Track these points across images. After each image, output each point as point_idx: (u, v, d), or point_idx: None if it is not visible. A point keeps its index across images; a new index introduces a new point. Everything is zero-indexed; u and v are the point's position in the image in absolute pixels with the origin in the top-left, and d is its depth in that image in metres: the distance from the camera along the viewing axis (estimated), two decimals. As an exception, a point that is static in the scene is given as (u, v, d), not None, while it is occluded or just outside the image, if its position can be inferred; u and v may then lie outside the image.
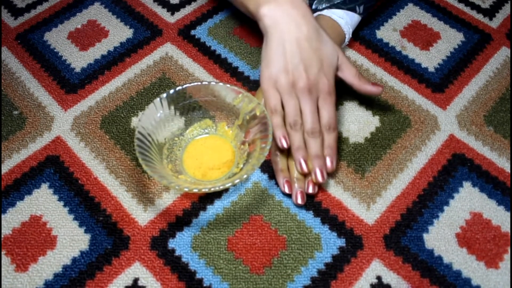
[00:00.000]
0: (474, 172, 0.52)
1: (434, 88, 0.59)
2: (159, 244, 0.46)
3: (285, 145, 0.47)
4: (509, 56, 0.63)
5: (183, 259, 0.46)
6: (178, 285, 0.44)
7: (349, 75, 0.51)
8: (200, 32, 0.65)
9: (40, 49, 0.64)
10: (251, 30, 0.65)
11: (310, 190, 0.48)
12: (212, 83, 0.50)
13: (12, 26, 0.67)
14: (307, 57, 0.47)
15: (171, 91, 0.49)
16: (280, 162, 0.49)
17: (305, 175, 0.49)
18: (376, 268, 0.45)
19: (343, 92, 0.58)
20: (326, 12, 0.58)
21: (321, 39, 0.48)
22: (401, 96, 0.58)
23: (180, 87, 0.50)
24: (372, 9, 0.66)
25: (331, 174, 0.51)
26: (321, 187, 0.50)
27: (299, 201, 0.48)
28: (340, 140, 0.54)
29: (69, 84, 0.60)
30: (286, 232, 0.47)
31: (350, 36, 0.59)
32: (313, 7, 0.59)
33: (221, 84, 0.50)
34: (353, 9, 0.58)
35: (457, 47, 0.63)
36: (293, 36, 0.47)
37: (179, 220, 0.48)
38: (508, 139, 0.54)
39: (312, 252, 0.46)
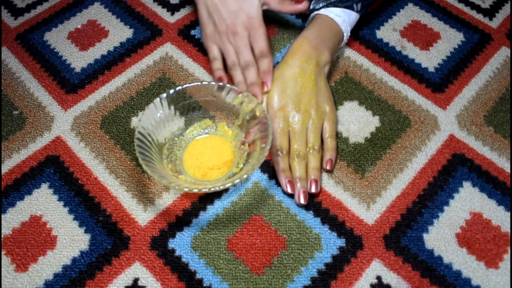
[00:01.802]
0: (474, 172, 0.52)
1: (434, 88, 0.59)
2: (159, 244, 0.46)
3: (221, 82, 0.53)
4: (509, 56, 0.63)
5: (183, 259, 0.46)
6: (178, 285, 0.44)
7: (273, 3, 0.56)
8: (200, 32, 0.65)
9: (40, 49, 0.64)
10: (251, 30, 0.65)
11: (313, 190, 0.48)
12: (212, 83, 0.50)
13: (12, 26, 0.67)
14: (227, 6, 0.53)
15: (171, 91, 0.49)
16: (281, 162, 0.49)
17: (291, 169, 0.50)
18: (376, 268, 0.45)
19: (343, 92, 0.58)
20: (323, 11, 0.58)
21: None
22: (401, 96, 0.58)
23: (180, 87, 0.50)
24: (371, 7, 0.66)
25: (330, 175, 0.51)
26: (321, 187, 0.50)
27: (302, 201, 0.48)
28: (340, 140, 0.54)
29: (69, 84, 0.60)
30: (286, 232, 0.47)
31: (349, 34, 0.59)
32: (311, 7, 0.59)
33: (221, 83, 0.50)
34: (350, 7, 0.58)
35: (457, 47, 0.63)
36: None
37: (179, 220, 0.48)
38: (508, 139, 0.54)
39: (312, 252, 0.46)
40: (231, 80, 0.56)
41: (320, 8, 0.58)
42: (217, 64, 0.56)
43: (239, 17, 0.53)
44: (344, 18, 0.57)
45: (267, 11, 0.57)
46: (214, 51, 0.57)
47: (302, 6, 0.56)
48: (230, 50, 0.55)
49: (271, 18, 0.66)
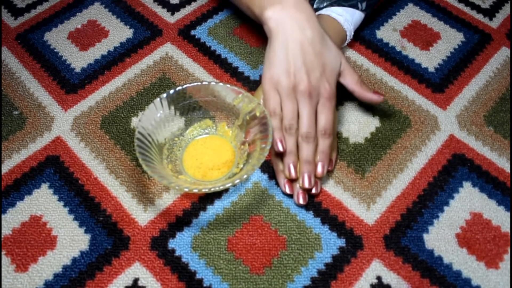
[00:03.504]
0: (474, 172, 0.52)
1: (434, 88, 0.59)
2: (159, 244, 0.46)
3: (280, 149, 0.47)
4: (509, 56, 0.63)
5: (183, 259, 0.46)
6: (178, 285, 0.44)
7: (351, 82, 0.51)
8: (200, 32, 0.65)
9: (40, 49, 0.64)
10: (251, 30, 0.65)
11: (313, 190, 0.48)
12: (212, 83, 0.50)
13: (12, 26, 0.67)
14: (309, 61, 0.46)
15: (171, 91, 0.49)
16: (281, 162, 0.49)
17: (293, 181, 0.48)
18: (376, 268, 0.45)
19: (343, 92, 0.58)
20: (324, 11, 0.58)
21: (324, 43, 0.48)
22: (401, 96, 0.58)
23: (180, 87, 0.50)
24: (376, 6, 0.66)
25: (330, 175, 0.51)
26: (321, 187, 0.50)
27: (301, 201, 0.48)
28: (340, 140, 0.54)
29: (69, 84, 0.60)
30: (286, 232, 0.47)
31: (352, 33, 0.59)
32: (315, 6, 0.59)
33: (221, 84, 0.50)
34: (354, 6, 0.57)
35: (457, 47, 0.63)
36: (297, 39, 0.46)
37: (179, 220, 0.48)
38: (508, 139, 0.54)
39: (312, 252, 0.46)
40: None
41: (324, 7, 0.58)
42: (277, 122, 0.48)
43: (321, 84, 0.47)
44: (347, 17, 0.57)
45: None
46: (274, 103, 0.48)
47: (378, 98, 0.51)
48: (293, 109, 0.47)
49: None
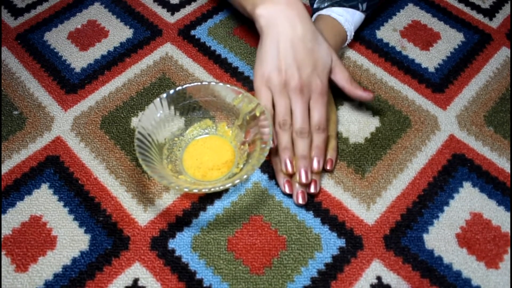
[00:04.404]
0: (474, 172, 0.52)
1: (434, 88, 0.59)
2: (159, 244, 0.46)
3: (271, 145, 0.47)
4: (509, 56, 0.63)
5: (183, 260, 0.46)
6: (178, 285, 0.44)
7: (341, 79, 0.51)
8: (200, 32, 0.65)
9: (40, 49, 0.64)
10: (251, 30, 0.65)
11: (312, 190, 0.48)
12: (212, 83, 0.50)
13: (12, 26, 0.67)
14: (300, 58, 0.47)
15: (171, 91, 0.49)
16: (280, 162, 0.49)
17: (291, 176, 0.48)
18: (376, 269, 0.45)
19: (343, 92, 0.58)
20: (325, 12, 0.58)
21: (316, 40, 0.48)
22: (401, 96, 0.58)
23: (180, 87, 0.50)
24: (377, 6, 0.66)
25: (330, 175, 0.51)
26: (321, 187, 0.50)
27: (300, 201, 0.48)
28: (340, 140, 0.54)
29: (69, 84, 0.60)
30: (286, 232, 0.47)
31: (352, 34, 0.59)
32: (315, 6, 0.59)
33: (221, 84, 0.50)
34: (355, 7, 0.57)
35: (457, 47, 0.63)
36: (288, 36, 0.47)
37: (179, 220, 0.48)
38: (508, 139, 0.54)
39: (312, 253, 0.46)
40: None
41: (325, 7, 0.58)
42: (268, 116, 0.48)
43: (312, 80, 0.47)
44: (347, 18, 0.57)
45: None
46: (266, 99, 0.48)
47: (367, 96, 0.51)
48: (285, 105, 0.48)
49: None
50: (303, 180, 0.47)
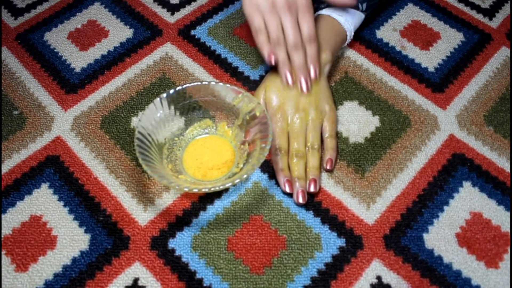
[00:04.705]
0: (474, 172, 0.52)
1: (434, 88, 0.59)
2: (159, 244, 0.46)
3: (272, 62, 0.51)
4: (509, 56, 0.63)
5: (183, 259, 0.46)
6: (178, 285, 0.44)
7: None
8: (200, 32, 0.65)
9: (40, 49, 0.64)
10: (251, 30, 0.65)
11: (312, 189, 0.48)
12: (212, 83, 0.50)
13: (12, 26, 0.67)
14: None
15: (171, 91, 0.49)
16: (280, 161, 0.49)
17: (290, 169, 0.49)
18: (376, 268, 0.45)
19: (343, 92, 0.58)
20: (325, 11, 0.58)
21: None
22: (401, 96, 0.58)
23: (180, 87, 0.50)
24: (377, 6, 0.66)
25: (330, 175, 0.51)
26: (321, 186, 0.50)
27: (300, 200, 0.48)
28: (340, 140, 0.54)
29: (69, 84, 0.60)
30: (286, 232, 0.47)
31: (352, 34, 0.59)
32: (315, 5, 0.59)
33: (221, 84, 0.50)
34: (355, 7, 0.58)
35: (457, 47, 0.63)
36: None
37: (179, 220, 0.48)
38: (508, 139, 0.54)
39: (312, 252, 0.46)
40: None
41: (324, 7, 0.58)
42: (263, 37, 0.52)
43: None
44: (347, 18, 0.57)
45: None
46: (258, 21, 0.51)
47: (350, 1, 0.54)
48: (277, 24, 0.51)
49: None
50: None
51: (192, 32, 0.65)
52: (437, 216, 0.48)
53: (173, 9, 0.68)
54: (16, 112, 0.57)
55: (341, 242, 0.47)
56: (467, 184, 0.51)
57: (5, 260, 0.46)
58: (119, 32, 0.65)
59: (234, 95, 0.50)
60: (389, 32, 0.65)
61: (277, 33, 0.51)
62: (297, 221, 0.48)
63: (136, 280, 0.44)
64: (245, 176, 0.43)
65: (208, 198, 0.50)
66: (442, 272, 0.45)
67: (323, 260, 0.46)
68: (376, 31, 0.65)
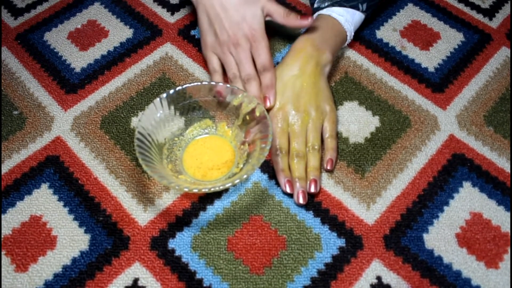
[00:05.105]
0: (474, 172, 0.52)
1: (434, 88, 0.59)
2: (159, 244, 0.46)
3: (221, 96, 0.51)
4: (509, 56, 0.63)
5: (183, 259, 0.46)
6: (178, 285, 0.44)
7: (277, 17, 0.53)
8: (200, 32, 0.65)
9: (40, 49, 0.64)
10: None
11: (312, 189, 0.48)
12: (212, 83, 0.50)
13: (12, 26, 0.67)
14: (229, 15, 0.51)
15: (171, 91, 0.49)
16: (281, 162, 0.49)
17: (290, 169, 0.50)
18: (376, 268, 0.45)
19: (343, 92, 0.58)
20: (325, 11, 0.58)
21: None
22: (401, 96, 0.58)
23: (180, 87, 0.50)
24: (377, 6, 0.66)
25: (330, 175, 0.51)
26: (321, 187, 0.50)
27: (301, 201, 0.48)
28: (340, 140, 0.54)
29: (69, 84, 0.60)
30: (286, 232, 0.47)
31: (352, 34, 0.59)
32: (315, 5, 0.59)
33: (221, 84, 0.50)
34: (355, 7, 0.58)
35: (457, 47, 0.63)
36: (213, 2, 0.52)
37: (179, 220, 0.48)
38: (508, 139, 0.54)
39: (312, 252, 0.46)
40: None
41: (325, 7, 0.58)
42: (218, 77, 0.55)
43: (241, 28, 0.52)
44: (347, 18, 0.57)
45: (269, 22, 0.55)
46: (214, 63, 0.55)
47: (307, 22, 0.53)
48: (231, 62, 0.53)
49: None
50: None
51: (192, 32, 0.65)
52: (437, 216, 0.48)
53: (173, 9, 0.68)
54: (16, 112, 0.57)
55: (341, 242, 0.47)
56: (467, 184, 0.51)
57: (5, 260, 0.46)
58: (119, 32, 0.65)
59: (234, 95, 0.50)
60: (389, 32, 0.65)
61: (232, 69, 0.53)
62: (297, 221, 0.48)
63: (136, 280, 0.44)
64: (245, 176, 0.43)
65: (208, 198, 0.50)
66: (442, 272, 0.45)
67: (323, 260, 0.46)
68: (376, 31, 0.65)
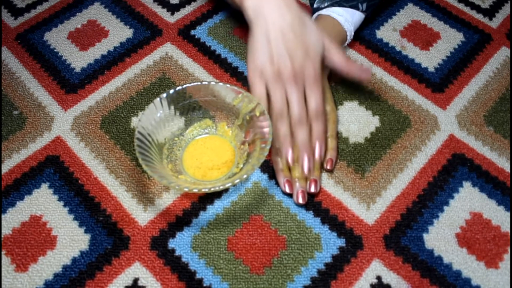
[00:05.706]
0: (474, 172, 0.52)
1: (434, 88, 0.59)
2: (159, 244, 0.46)
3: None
4: (509, 56, 0.63)
5: (183, 259, 0.46)
6: (178, 285, 0.44)
7: (337, 60, 0.50)
8: (200, 32, 0.65)
9: (40, 49, 0.64)
10: (251, 30, 0.65)
11: (312, 189, 0.48)
12: (212, 83, 0.50)
13: (12, 26, 0.67)
14: (291, 46, 0.46)
15: (171, 91, 0.49)
16: (280, 161, 0.49)
17: (289, 170, 0.49)
18: (376, 268, 0.45)
19: (343, 92, 0.58)
20: (325, 11, 0.58)
21: (304, 26, 0.47)
22: (401, 96, 0.58)
23: (180, 87, 0.50)
24: (376, 6, 0.66)
25: (330, 175, 0.51)
26: (321, 187, 0.50)
27: (300, 201, 0.48)
28: (340, 140, 0.54)
29: (69, 84, 0.60)
30: (286, 232, 0.47)
31: (352, 34, 0.59)
32: (315, 5, 0.59)
33: (221, 84, 0.50)
34: (355, 7, 0.58)
35: (457, 47, 0.63)
36: (277, 25, 0.46)
37: (179, 220, 0.48)
38: (508, 139, 0.54)
39: (312, 252, 0.46)
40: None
41: (325, 7, 0.58)
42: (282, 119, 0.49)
43: (306, 67, 0.47)
44: (347, 18, 0.57)
45: None
46: (260, 91, 0.48)
47: (367, 76, 0.50)
48: (281, 96, 0.47)
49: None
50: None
51: (192, 32, 0.65)
52: (437, 216, 0.48)
53: (173, 9, 0.68)
54: (16, 112, 0.57)
55: (341, 242, 0.47)
56: (467, 184, 0.51)
57: (5, 260, 0.46)
58: (119, 32, 0.65)
59: (234, 95, 0.50)
60: (389, 32, 0.65)
61: (280, 106, 0.47)
62: (297, 221, 0.48)
63: (136, 280, 0.44)
64: (245, 176, 0.43)
65: (208, 198, 0.50)
66: (442, 272, 0.45)
67: (323, 260, 0.46)
68: (376, 31, 0.65)
